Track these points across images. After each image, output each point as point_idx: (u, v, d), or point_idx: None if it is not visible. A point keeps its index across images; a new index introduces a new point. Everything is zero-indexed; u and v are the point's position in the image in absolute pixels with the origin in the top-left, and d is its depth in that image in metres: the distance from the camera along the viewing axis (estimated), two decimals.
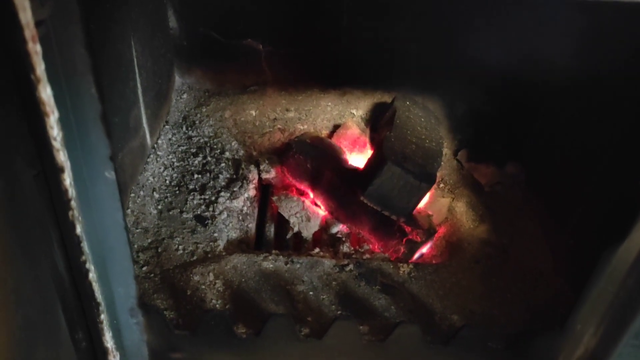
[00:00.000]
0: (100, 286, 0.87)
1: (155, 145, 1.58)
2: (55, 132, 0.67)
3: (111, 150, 0.75)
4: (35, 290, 0.79)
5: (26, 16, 0.58)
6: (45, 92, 0.64)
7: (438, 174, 1.45)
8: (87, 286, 0.85)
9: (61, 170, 0.71)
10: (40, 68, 0.62)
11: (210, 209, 1.41)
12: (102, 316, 0.90)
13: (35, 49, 0.60)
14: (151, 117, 1.53)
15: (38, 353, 0.81)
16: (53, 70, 0.65)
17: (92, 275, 0.84)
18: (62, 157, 0.70)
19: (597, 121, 1.29)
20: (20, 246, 0.73)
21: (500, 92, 1.66)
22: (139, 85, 1.42)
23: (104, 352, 0.95)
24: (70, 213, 0.75)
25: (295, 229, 1.44)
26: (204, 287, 1.22)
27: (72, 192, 0.73)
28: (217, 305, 1.19)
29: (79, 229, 0.78)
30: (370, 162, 1.38)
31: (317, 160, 1.47)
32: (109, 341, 0.94)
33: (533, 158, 1.58)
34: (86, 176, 0.76)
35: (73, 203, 0.74)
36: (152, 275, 1.25)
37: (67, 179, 0.72)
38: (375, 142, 1.61)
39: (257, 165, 1.54)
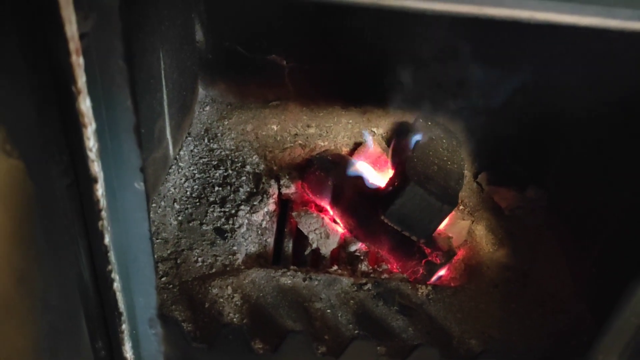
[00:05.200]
0: (123, 296, 0.88)
1: (177, 157, 1.60)
2: (91, 143, 0.68)
3: (142, 162, 0.76)
4: (61, 298, 0.79)
5: (72, 29, 0.60)
6: (85, 104, 0.65)
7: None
8: (111, 296, 0.85)
9: (95, 180, 0.71)
10: (81, 80, 0.63)
11: (230, 222, 1.42)
12: (124, 326, 0.90)
13: (79, 62, 0.61)
14: (175, 129, 1.55)
15: None
16: (92, 83, 0.66)
17: (116, 285, 0.85)
18: (96, 167, 0.70)
19: (624, 144, 1.27)
20: (50, 254, 0.74)
21: (522, 114, 1.66)
22: (165, 96, 1.43)
23: None
24: (100, 223, 0.76)
25: (314, 246, 1.44)
26: (222, 300, 1.22)
27: (103, 202, 0.74)
28: (235, 319, 1.18)
29: (107, 239, 0.79)
30: (392, 182, 1.38)
31: (338, 178, 1.47)
32: (128, 351, 0.94)
33: (556, 182, 1.57)
34: (116, 187, 0.77)
35: (104, 213, 0.75)
36: (171, 286, 1.25)
37: (100, 190, 0.73)
38: (397, 162, 1.60)
39: (278, 180, 1.55)
